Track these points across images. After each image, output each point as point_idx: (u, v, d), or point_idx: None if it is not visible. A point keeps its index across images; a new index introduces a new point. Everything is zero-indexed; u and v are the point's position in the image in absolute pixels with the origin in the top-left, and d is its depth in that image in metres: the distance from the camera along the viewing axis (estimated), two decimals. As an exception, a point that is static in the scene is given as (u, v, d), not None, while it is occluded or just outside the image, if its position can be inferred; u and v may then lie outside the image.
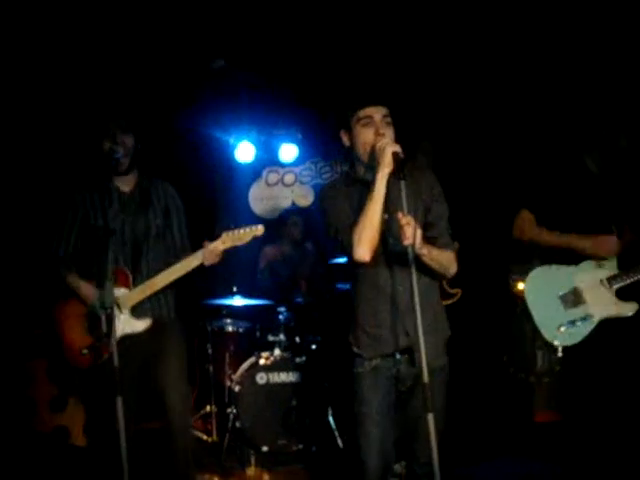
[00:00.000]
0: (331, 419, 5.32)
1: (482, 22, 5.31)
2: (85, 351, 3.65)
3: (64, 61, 5.44)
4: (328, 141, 7.20)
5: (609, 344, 3.53)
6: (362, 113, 3.03)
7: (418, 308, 2.72)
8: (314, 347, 5.60)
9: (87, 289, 3.68)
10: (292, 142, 7.15)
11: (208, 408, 5.56)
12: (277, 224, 6.73)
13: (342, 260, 5.11)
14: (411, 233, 2.74)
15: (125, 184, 3.82)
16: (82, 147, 4.85)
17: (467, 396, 3.15)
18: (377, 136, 2.97)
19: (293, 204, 7.44)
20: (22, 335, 5.22)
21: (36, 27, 5.05)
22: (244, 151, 7.02)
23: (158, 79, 5.87)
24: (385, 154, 2.87)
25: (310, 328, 5.72)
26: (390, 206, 2.97)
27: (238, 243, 3.69)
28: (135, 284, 3.69)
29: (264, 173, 7.52)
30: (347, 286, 5.00)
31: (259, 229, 3.70)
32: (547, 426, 5.14)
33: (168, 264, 3.74)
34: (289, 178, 7.54)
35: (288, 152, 7.17)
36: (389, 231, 2.99)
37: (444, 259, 3.03)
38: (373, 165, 2.96)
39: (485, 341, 5.33)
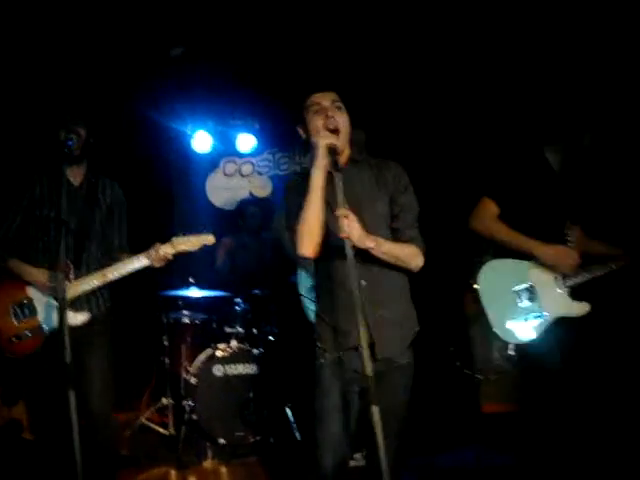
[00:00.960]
0: (288, 411, 5.31)
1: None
2: (14, 339, 3.61)
3: (18, 48, 5.33)
4: (286, 132, 7.19)
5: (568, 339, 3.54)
6: (310, 101, 3.00)
7: (358, 303, 2.64)
8: (271, 338, 5.59)
9: (39, 274, 3.62)
10: (250, 132, 7.11)
11: (164, 400, 5.50)
12: (235, 215, 6.69)
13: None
14: (347, 226, 2.70)
15: (74, 176, 3.78)
16: (34, 135, 4.78)
17: (418, 387, 3.09)
18: (326, 119, 2.92)
19: (251, 195, 7.41)
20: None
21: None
22: (201, 141, 6.97)
23: (114, 66, 5.77)
24: (319, 147, 2.85)
25: (267, 319, 5.70)
26: (347, 194, 2.88)
27: (188, 249, 3.69)
28: (76, 277, 3.65)
29: (221, 163, 7.47)
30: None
31: (209, 238, 3.72)
32: (495, 417, 5.23)
33: (112, 260, 3.74)
34: (247, 168, 7.50)
35: (246, 142, 7.13)
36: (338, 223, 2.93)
37: (401, 253, 2.95)
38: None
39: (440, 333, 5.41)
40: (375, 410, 2.55)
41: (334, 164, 2.81)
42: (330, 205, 2.89)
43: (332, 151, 2.84)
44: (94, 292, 3.74)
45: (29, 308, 3.65)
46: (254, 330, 5.52)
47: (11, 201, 3.75)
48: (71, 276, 3.63)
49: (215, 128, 7.04)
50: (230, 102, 6.84)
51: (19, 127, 5.68)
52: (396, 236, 3.00)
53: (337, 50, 5.70)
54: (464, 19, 5.34)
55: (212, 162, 7.43)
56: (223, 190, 7.45)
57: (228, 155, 7.41)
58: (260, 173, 7.51)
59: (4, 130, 5.71)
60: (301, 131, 3.08)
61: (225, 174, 7.49)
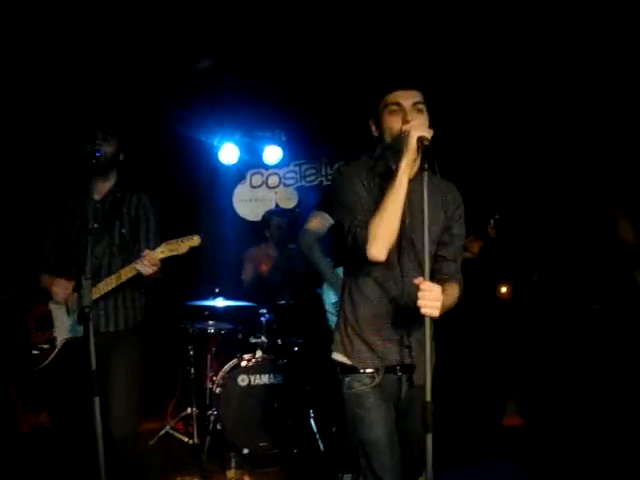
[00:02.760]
0: (312, 422, 5.31)
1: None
2: (35, 351, 3.71)
3: (48, 63, 5.42)
4: (312, 144, 7.23)
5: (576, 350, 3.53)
6: (389, 98, 2.73)
7: (428, 322, 2.44)
8: (296, 349, 5.59)
9: (59, 285, 3.70)
10: (276, 144, 7.14)
11: (189, 410, 5.53)
12: (260, 226, 6.73)
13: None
14: (430, 303, 2.42)
15: (97, 191, 3.82)
16: (64, 151, 4.86)
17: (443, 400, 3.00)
18: (404, 124, 2.64)
19: (277, 206, 7.44)
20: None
21: (21, 29, 5.04)
22: (228, 153, 7.02)
23: (143, 79, 5.85)
24: (410, 139, 2.53)
25: (292, 330, 5.71)
26: (411, 207, 2.70)
27: (175, 253, 3.63)
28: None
29: (248, 175, 7.53)
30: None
31: (194, 240, 3.65)
32: (515, 430, 5.20)
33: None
34: (273, 180, 7.54)
35: (272, 154, 7.16)
36: (407, 236, 2.73)
37: (452, 301, 2.71)
38: (399, 149, 2.61)
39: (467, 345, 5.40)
40: (429, 438, 2.40)
41: (422, 161, 2.52)
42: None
43: (423, 146, 2.52)
44: (114, 307, 3.78)
45: (48, 321, 3.74)
46: (279, 340, 5.53)
47: (43, 218, 3.85)
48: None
49: (242, 140, 7.08)
50: (257, 114, 6.88)
51: (49, 141, 5.77)
52: (439, 266, 2.82)
53: (364, 64, 5.71)
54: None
55: (239, 174, 7.48)
56: (249, 201, 7.50)
57: (255, 167, 7.47)
58: (286, 185, 7.54)
59: (36, 143, 5.81)
60: (373, 127, 2.83)
61: (251, 186, 7.54)
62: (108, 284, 3.66)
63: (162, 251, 3.61)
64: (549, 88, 5.33)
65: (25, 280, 3.88)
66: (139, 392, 3.83)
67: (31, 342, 3.75)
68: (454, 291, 2.78)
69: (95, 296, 3.62)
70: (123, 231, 3.82)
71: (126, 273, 3.63)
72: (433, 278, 2.66)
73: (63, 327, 3.69)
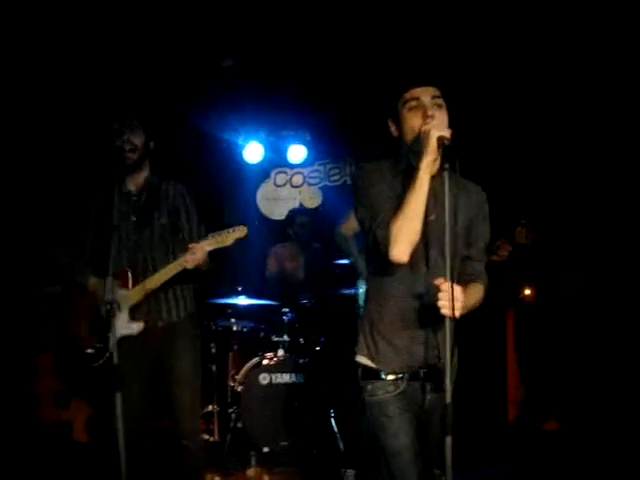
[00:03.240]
0: (333, 421, 5.30)
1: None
2: (90, 350, 3.66)
3: (74, 60, 5.46)
4: (337, 143, 7.21)
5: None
6: (407, 95, 2.67)
7: (448, 323, 2.43)
8: (318, 348, 5.58)
9: (94, 285, 3.71)
10: (301, 143, 7.14)
11: (210, 407, 5.52)
12: (284, 224, 6.72)
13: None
14: (450, 304, 2.40)
15: (133, 183, 3.80)
16: (93, 146, 4.88)
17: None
18: (425, 119, 2.59)
19: (301, 205, 7.43)
20: (30, 329, 5.27)
21: (48, 27, 5.07)
22: (252, 151, 7.02)
23: (168, 77, 5.87)
24: (430, 139, 2.50)
25: (314, 329, 5.70)
26: (435, 205, 2.64)
27: (222, 245, 3.63)
28: (135, 285, 3.67)
29: (272, 174, 7.52)
30: (351, 291, 5.07)
31: (242, 230, 3.63)
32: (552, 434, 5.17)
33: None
34: (297, 179, 7.54)
35: (296, 153, 7.16)
36: (432, 234, 2.66)
37: (475, 301, 2.71)
38: (420, 148, 2.56)
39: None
40: (448, 441, 2.38)
41: (442, 161, 2.48)
42: None
43: (443, 145, 2.48)
44: (165, 300, 3.77)
45: (102, 321, 3.67)
46: (301, 340, 5.53)
47: (80, 220, 3.85)
48: (129, 283, 3.66)
49: (266, 139, 7.09)
50: (281, 113, 6.88)
51: (80, 138, 5.81)
52: (464, 267, 2.77)
53: (389, 62, 5.68)
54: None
55: (263, 172, 7.48)
56: (273, 200, 7.50)
57: (279, 166, 7.46)
58: (310, 184, 7.54)
59: (65, 141, 5.85)
60: (392, 126, 2.77)
61: (276, 185, 7.54)
62: (154, 282, 3.65)
63: (209, 243, 3.60)
64: (582, 87, 5.24)
65: (70, 276, 3.88)
66: (200, 381, 3.89)
67: (83, 340, 3.74)
68: (478, 291, 2.76)
69: (141, 294, 3.64)
70: (163, 222, 3.78)
71: (171, 270, 3.62)
72: (458, 278, 2.63)
73: (117, 325, 3.67)
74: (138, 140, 3.71)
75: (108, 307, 3.14)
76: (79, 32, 5.15)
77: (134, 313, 3.65)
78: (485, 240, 2.84)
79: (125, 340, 3.53)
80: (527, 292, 5.33)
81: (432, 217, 2.63)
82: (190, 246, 3.58)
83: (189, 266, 3.58)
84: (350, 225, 4.42)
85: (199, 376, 3.87)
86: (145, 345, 3.67)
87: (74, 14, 4.94)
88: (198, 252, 3.57)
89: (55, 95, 5.64)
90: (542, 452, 4.85)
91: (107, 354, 3.57)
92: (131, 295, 3.64)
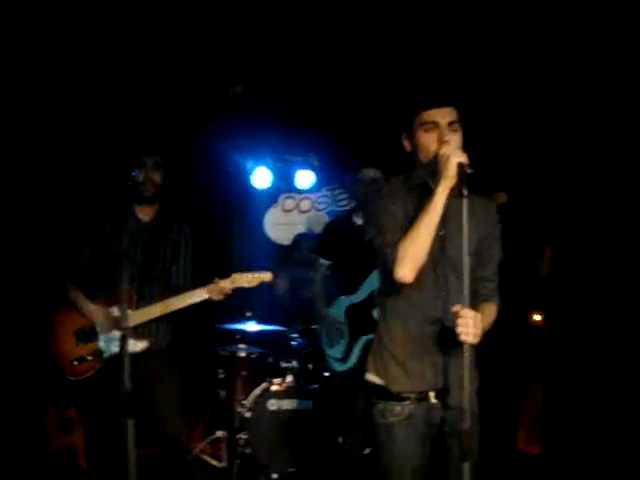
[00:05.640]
0: (342, 449, 5.26)
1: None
2: (75, 362, 3.79)
3: (90, 89, 5.52)
4: (345, 168, 7.22)
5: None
6: (424, 116, 2.65)
7: (467, 349, 2.41)
8: (327, 374, 5.55)
9: (98, 312, 3.84)
10: (309, 168, 7.16)
11: (218, 433, 5.51)
12: (290, 249, 6.72)
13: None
14: (470, 330, 2.39)
15: (145, 214, 4.00)
16: (110, 174, 4.94)
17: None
18: (441, 144, 2.59)
19: (309, 230, 7.43)
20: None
21: (62, 55, 5.15)
22: (261, 176, 7.03)
23: (176, 103, 5.91)
24: (449, 164, 2.47)
25: (323, 355, 5.67)
26: (447, 222, 2.62)
27: (246, 285, 3.85)
28: (137, 307, 3.79)
29: (280, 199, 7.53)
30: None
31: (267, 276, 3.88)
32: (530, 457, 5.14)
33: (174, 293, 3.87)
34: (305, 204, 7.54)
35: (305, 178, 7.17)
36: (443, 250, 2.66)
37: (488, 324, 2.68)
38: (437, 170, 2.55)
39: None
40: (466, 467, 2.37)
41: (460, 187, 2.46)
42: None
43: (462, 172, 2.46)
44: (156, 324, 3.90)
45: (91, 333, 3.81)
46: (310, 366, 5.50)
47: (83, 233, 3.99)
48: (134, 305, 3.77)
49: (274, 164, 7.10)
50: (289, 139, 6.91)
51: (94, 164, 5.85)
52: (477, 286, 2.73)
53: (397, 90, 5.70)
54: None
55: (271, 198, 7.49)
56: (281, 225, 7.50)
57: (287, 191, 7.47)
58: (318, 210, 7.54)
59: (80, 166, 5.89)
60: (406, 143, 2.76)
61: (284, 210, 7.55)
62: (152, 312, 3.77)
63: (232, 282, 3.82)
64: (603, 110, 5.22)
65: (53, 293, 3.96)
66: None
67: (68, 353, 3.79)
68: (491, 312, 2.76)
69: (137, 321, 3.73)
70: (167, 252, 3.99)
71: (192, 297, 3.79)
72: (473, 299, 2.62)
73: (109, 342, 3.78)
74: (158, 177, 3.93)
75: (124, 334, 3.19)
76: (96, 55, 5.22)
77: (134, 333, 3.75)
78: (498, 260, 2.83)
79: (115, 359, 3.62)
80: (537, 318, 5.29)
81: (442, 232, 2.63)
82: (216, 281, 3.79)
83: (214, 298, 3.81)
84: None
85: (181, 397, 4.02)
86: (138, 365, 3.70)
87: (89, 38, 5.00)
88: (227, 286, 3.80)
89: (74, 116, 5.70)
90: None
91: (96, 367, 3.77)
92: (133, 316, 3.73)
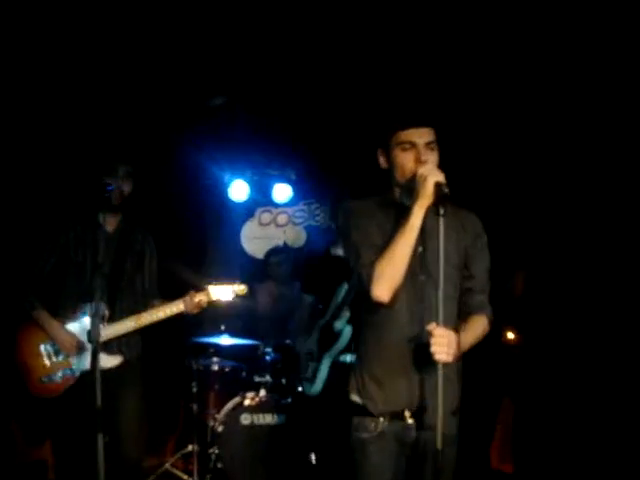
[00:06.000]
0: (314, 464, 5.24)
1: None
2: (44, 380, 3.69)
3: (62, 95, 5.47)
4: (322, 183, 7.24)
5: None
6: (401, 136, 2.64)
7: (440, 368, 2.39)
8: (300, 389, 5.54)
9: (66, 336, 3.73)
10: (286, 182, 7.16)
11: (190, 447, 5.47)
12: (263, 263, 6.71)
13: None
14: (443, 349, 2.39)
15: (109, 224, 3.89)
16: (77, 181, 4.88)
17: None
18: (418, 163, 2.57)
19: (285, 245, 7.43)
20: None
21: (38, 60, 5.10)
22: (238, 190, 7.03)
23: (154, 115, 5.89)
24: (426, 184, 2.46)
25: (297, 370, 5.66)
26: (425, 238, 2.60)
27: (222, 299, 3.88)
28: (109, 321, 3.73)
29: (257, 212, 7.53)
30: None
31: (242, 289, 3.93)
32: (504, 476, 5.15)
33: (145, 305, 3.86)
34: (282, 218, 7.55)
35: (282, 192, 7.18)
36: (421, 266, 2.63)
37: (475, 337, 2.69)
38: (413, 189, 2.54)
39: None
40: None
41: (437, 206, 2.44)
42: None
43: (439, 192, 2.45)
44: (126, 337, 3.82)
45: (58, 350, 3.72)
46: (283, 380, 5.48)
47: (46, 242, 3.85)
48: (105, 319, 3.70)
49: (252, 177, 7.10)
50: (267, 152, 6.91)
51: (57, 172, 5.79)
52: (465, 298, 2.74)
53: (376, 106, 5.72)
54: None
55: (248, 211, 7.49)
56: (258, 239, 7.49)
57: (264, 204, 7.48)
58: (295, 223, 7.55)
59: (45, 175, 5.82)
60: (382, 159, 2.74)
61: (260, 223, 7.55)
62: (125, 327, 3.74)
63: (207, 294, 3.84)
64: (583, 128, 5.24)
65: (17, 306, 3.85)
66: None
67: (37, 371, 3.72)
68: (480, 324, 2.74)
69: (110, 336, 3.67)
70: (131, 262, 3.92)
71: (166, 311, 3.76)
72: (459, 311, 2.68)
73: (80, 358, 3.70)
74: (127, 186, 3.84)
75: (94, 345, 3.14)
76: (75, 63, 5.18)
77: (106, 348, 3.70)
78: (487, 271, 2.80)
79: (87, 375, 3.57)
80: (510, 336, 5.32)
81: (420, 249, 2.62)
82: (192, 294, 3.77)
83: (190, 311, 3.78)
84: None
85: (145, 414, 3.98)
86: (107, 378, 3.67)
87: (67, 45, 4.97)
88: (203, 299, 3.79)
89: (47, 121, 5.64)
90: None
91: (67, 385, 3.67)
92: (105, 331, 3.66)
